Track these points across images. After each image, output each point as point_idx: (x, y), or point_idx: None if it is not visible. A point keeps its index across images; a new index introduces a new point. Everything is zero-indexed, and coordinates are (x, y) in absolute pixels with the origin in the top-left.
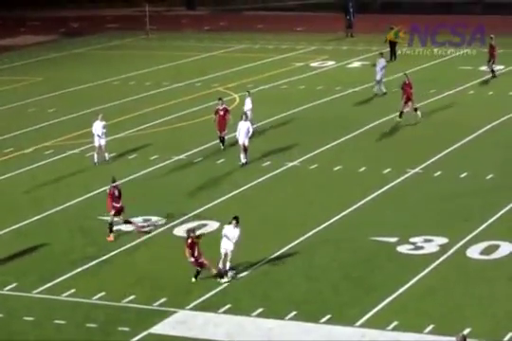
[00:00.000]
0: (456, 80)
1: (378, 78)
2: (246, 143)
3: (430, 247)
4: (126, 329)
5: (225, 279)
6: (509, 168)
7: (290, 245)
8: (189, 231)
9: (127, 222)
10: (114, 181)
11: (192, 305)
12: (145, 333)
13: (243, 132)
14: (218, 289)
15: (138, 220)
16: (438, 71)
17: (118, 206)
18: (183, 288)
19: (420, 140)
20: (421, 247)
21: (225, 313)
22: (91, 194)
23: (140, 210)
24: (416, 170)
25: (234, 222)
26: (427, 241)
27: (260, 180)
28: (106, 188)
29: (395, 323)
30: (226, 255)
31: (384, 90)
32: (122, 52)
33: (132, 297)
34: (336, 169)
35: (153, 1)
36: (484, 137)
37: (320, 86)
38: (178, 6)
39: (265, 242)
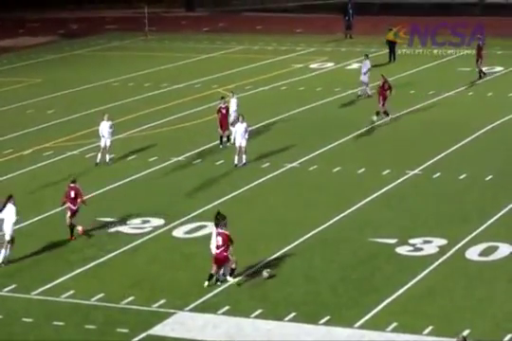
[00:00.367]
0: (455, 82)
1: (366, 80)
2: (243, 144)
3: (430, 249)
4: (125, 330)
5: (230, 279)
6: (508, 169)
7: (289, 247)
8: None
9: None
10: (73, 182)
11: (191, 306)
12: (144, 335)
13: (239, 134)
14: (217, 290)
15: (137, 221)
16: (437, 72)
17: (74, 208)
18: (182, 289)
19: (419, 142)
20: (420, 249)
21: (224, 314)
22: (90, 195)
23: (140, 211)
24: (415, 171)
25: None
26: (426, 242)
27: (259, 181)
28: (105, 189)
29: (395, 324)
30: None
31: (369, 93)
32: (122, 53)
33: (131, 299)
34: (335, 170)
35: (152, 2)
36: (484, 139)
37: (320, 87)
38: (177, 7)
39: (264, 243)
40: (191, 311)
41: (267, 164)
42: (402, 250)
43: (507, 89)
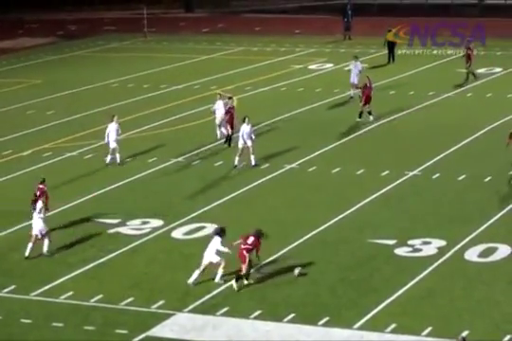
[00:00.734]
0: (455, 82)
1: (357, 82)
2: (249, 144)
3: (429, 250)
4: (124, 331)
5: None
6: (507, 170)
7: (288, 248)
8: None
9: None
10: (41, 182)
11: (190, 307)
12: (143, 336)
13: (244, 135)
14: (216, 291)
15: (136, 222)
16: (437, 73)
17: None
18: (181, 290)
19: (418, 142)
20: (419, 250)
21: (223, 315)
22: (89, 197)
23: (139, 212)
24: (415, 172)
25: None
26: (425, 243)
27: (258, 182)
28: (105, 190)
29: (394, 325)
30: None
31: (352, 94)
32: (121, 54)
33: (130, 300)
34: (334, 171)
35: (151, 3)
36: (483, 139)
37: (319, 88)
38: (177, 8)
39: (262, 244)
40: (190, 312)
41: (267, 165)
42: (401, 251)
43: (506, 90)
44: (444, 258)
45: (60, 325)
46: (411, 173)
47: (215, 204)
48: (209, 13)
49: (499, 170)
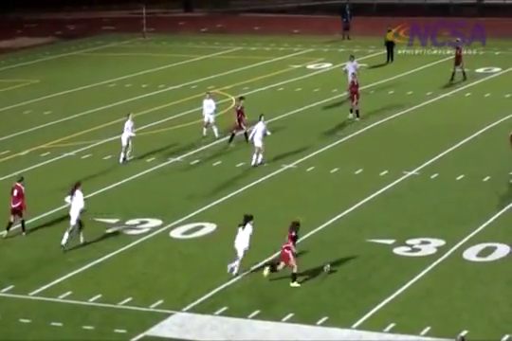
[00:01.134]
0: (453, 82)
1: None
2: (259, 144)
3: (427, 249)
4: (123, 331)
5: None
6: (506, 170)
7: None
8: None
9: (22, 223)
10: (19, 180)
11: (188, 307)
12: (142, 335)
13: (258, 132)
14: (215, 291)
15: (135, 222)
16: (435, 73)
17: (14, 206)
18: (180, 290)
19: (417, 142)
20: (418, 249)
21: (221, 315)
22: (87, 196)
23: (137, 212)
24: (413, 172)
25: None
26: (423, 243)
27: (257, 182)
28: (103, 189)
29: (392, 325)
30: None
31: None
32: (119, 54)
33: (129, 299)
34: (332, 171)
35: (150, 3)
36: (481, 139)
37: (317, 88)
38: (175, 8)
39: (261, 244)
40: (188, 311)
41: (265, 165)
42: (400, 251)
43: (505, 90)
44: (442, 257)
45: (59, 325)
46: (409, 173)
47: (214, 203)
48: (208, 13)
49: (497, 170)
